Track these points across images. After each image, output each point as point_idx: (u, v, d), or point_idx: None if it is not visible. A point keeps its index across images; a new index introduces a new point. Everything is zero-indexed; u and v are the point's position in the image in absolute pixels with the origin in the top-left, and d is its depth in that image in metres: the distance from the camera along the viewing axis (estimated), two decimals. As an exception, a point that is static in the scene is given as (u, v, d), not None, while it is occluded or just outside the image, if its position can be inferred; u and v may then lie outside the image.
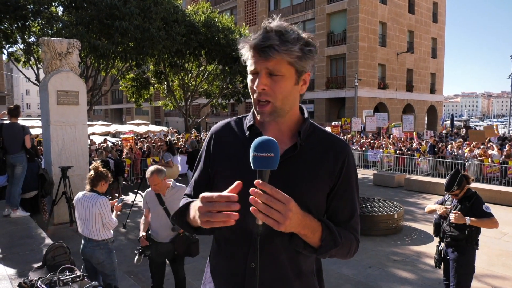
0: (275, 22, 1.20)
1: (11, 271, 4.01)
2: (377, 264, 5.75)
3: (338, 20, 27.32)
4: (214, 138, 1.39)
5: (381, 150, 16.29)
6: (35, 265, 3.69)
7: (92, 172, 3.96)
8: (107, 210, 3.80)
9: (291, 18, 29.17)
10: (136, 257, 3.97)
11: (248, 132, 1.30)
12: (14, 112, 6.08)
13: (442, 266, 4.05)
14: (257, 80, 1.20)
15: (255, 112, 1.28)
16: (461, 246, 3.75)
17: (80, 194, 4.01)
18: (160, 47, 13.43)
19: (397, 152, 15.80)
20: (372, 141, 18.03)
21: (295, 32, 1.19)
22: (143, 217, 4.15)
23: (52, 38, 7.64)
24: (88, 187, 3.97)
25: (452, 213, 3.75)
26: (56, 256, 3.47)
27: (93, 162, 4.70)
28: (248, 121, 1.35)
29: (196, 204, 1.16)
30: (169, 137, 20.16)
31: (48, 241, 4.87)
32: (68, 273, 3.13)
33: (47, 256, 3.48)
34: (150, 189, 3.99)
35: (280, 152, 1.23)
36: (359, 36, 25.79)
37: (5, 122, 6.17)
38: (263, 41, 1.16)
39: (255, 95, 1.24)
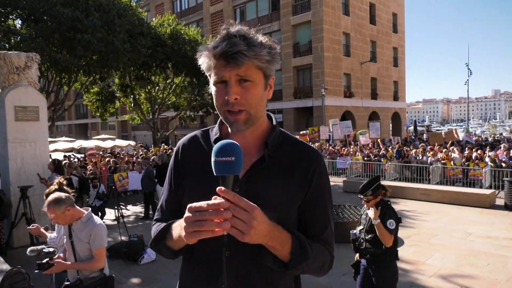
0: (235, 28, 1.15)
1: (-35, 302, 3.72)
2: (352, 272, 5.75)
3: (303, 31, 27.87)
4: (181, 152, 1.32)
5: (349, 157, 16.59)
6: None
7: (54, 187, 3.70)
8: None
9: (257, 30, 29.27)
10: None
11: (214, 145, 1.24)
12: None
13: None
14: (227, 89, 1.13)
15: (226, 123, 1.21)
16: (381, 260, 3.62)
17: None
18: (125, 59, 13.20)
19: (365, 158, 16.15)
20: (342, 148, 18.36)
21: (257, 36, 1.18)
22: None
23: (9, 52, 7.32)
24: None
25: (370, 210, 3.64)
26: (14, 284, 3.25)
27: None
28: (214, 133, 1.29)
29: (181, 221, 1.07)
30: (136, 152, 19.71)
31: (6, 266, 4.57)
32: (27, 301, 2.94)
33: (4, 284, 3.24)
34: None
35: (248, 166, 1.18)
36: (324, 46, 26.38)
37: None
38: (230, 47, 1.08)
39: (225, 106, 1.15)
